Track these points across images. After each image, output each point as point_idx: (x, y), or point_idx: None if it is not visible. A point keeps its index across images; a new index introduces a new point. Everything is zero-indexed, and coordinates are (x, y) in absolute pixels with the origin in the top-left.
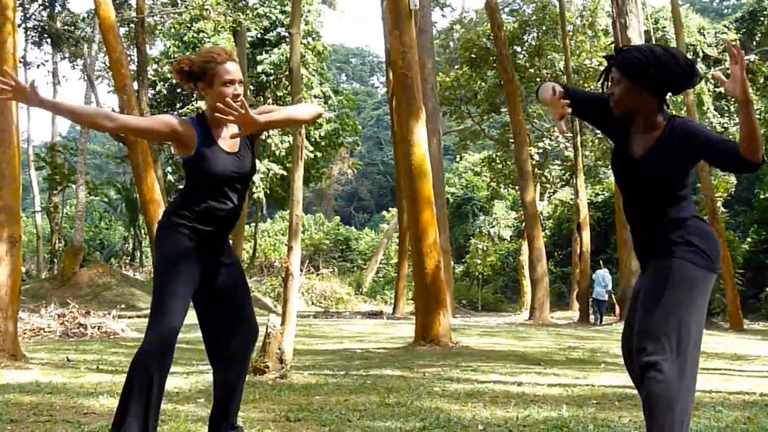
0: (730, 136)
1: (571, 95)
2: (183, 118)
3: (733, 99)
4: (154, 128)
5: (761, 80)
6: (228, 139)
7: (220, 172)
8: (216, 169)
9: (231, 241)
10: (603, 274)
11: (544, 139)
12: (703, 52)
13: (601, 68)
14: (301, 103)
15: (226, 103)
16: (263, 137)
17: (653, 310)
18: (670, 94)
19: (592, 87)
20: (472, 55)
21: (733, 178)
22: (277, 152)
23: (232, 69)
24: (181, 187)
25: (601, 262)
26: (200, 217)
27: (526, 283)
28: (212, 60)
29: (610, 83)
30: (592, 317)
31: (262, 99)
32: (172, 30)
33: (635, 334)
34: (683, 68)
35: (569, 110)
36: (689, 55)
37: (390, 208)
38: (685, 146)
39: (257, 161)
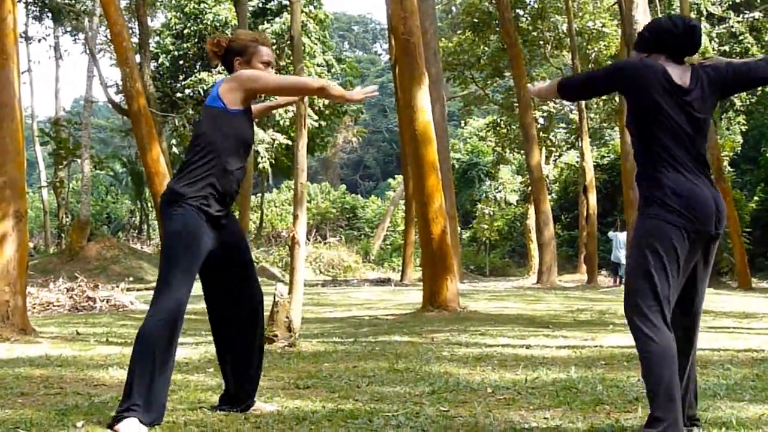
0: (735, 96)
1: (578, 88)
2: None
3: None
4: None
5: (766, 38)
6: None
7: (250, 135)
8: (250, 132)
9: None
10: (622, 237)
11: (548, 102)
12: (707, 10)
13: (605, 30)
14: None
15: None
16: None
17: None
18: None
19: (595, 49)
20: (475, 20)
21: (739, 137)
22: (281, 122)
23: (270, 53)
24: (189, 158)
25: (619, 223)
26: (217, 185)
27: (534, 247)
28: (256, 40)
29: None
30: (611, 279)
31: None
32: (173, 1)
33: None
34: (681, 29)
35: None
36: (693, 14)
37: (396, 176)
38: (716, 79)
39: (262, 131)
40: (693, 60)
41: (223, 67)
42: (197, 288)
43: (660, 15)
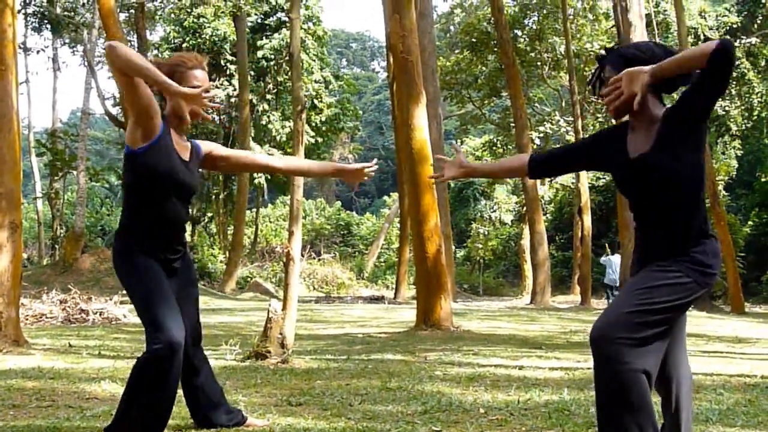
0: (731, 120)
1: (545, 159)
2: None
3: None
4: (144, 87)
5: (762, 63)
6: (182, 148)
7: (169, 172)
8: (167, 167)
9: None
10: (615, 260)
11: (544, 123)
12: (704, 35)
13: (602, 51)
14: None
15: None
16: (263, 122)
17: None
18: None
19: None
20: (473, 39)
21: (734, 162)
22: (277, 137)
23: (201, 76)
24: (126, 202)
25: (608, 247)
26: (149, 230)
27: (528, 267)
28: (182, 64)
29: (599, 86)
30: (605, 302)
31: (262, 84)
32: (172, 15)
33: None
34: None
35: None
36: (690, 39)
37: (391, 193)
38: (675, 117)
39: (258, 146)
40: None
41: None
42: (202, 301)
43: (658, 39)
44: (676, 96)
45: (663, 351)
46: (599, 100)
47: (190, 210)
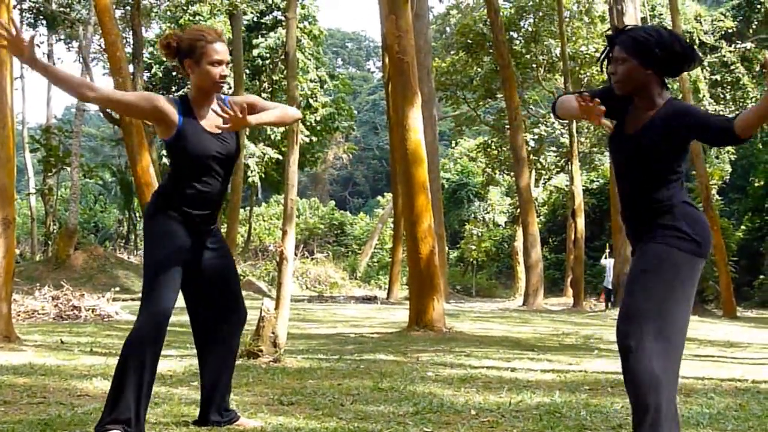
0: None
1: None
2: (166, 96)
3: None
4: (135, 103)
5: (757, 68)
6: (211, 120)
7: (201, 152)
8: (197, 149)
9: (225, 225)
10: (608, 263)
11: (539, 125)
12: (699, 39)
13: (597, 54)
14: (282, 106)
15: (224, 110)
16: None
17: (635, 294)
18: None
19: (588, 73)
20: (469, 41)
21: (728, 166)
22: (272, 136)
23: (221, 49)
24: (169, 172)
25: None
26: (186, 200)
27: (521, 269)
28: (202, 38)
29: (608, 63)
30: (603, 305)
31: (257, 83)
32: (168, 13)
33: (618, 317)
34: (684, 50)
35: (603, 108)
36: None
37: (385, 193)
38: (678, 124)
39: (253, 145)
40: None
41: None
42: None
43: None
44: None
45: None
46: (607, 77)
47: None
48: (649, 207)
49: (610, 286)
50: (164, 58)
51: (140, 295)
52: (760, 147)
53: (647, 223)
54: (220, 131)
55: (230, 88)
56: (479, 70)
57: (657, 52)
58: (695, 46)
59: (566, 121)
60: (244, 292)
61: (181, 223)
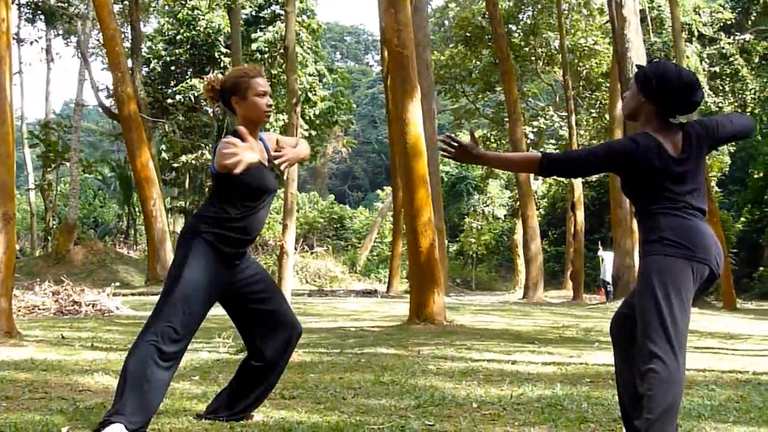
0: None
1: (567, 162)
2: (229, 137)
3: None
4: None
5: (756, 59)
6: (260, 152)
7: (261, 185)
8: (260, 182)
9: None
10: (605, 256)
11: (538, 117)
12: (698, 31)
13: (597, 47)
14: (301, 141)
15: (280, 148)
16: None
17: None
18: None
19: (587, 66)
20: (467, 34)
21: (727, 158)
22: (271, 131)
23: (263, 82)
24: (214, 198)
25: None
26: (235, 231)
27: (520, 262)
28: (245, 75)
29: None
30: (604, 297)
31: None
32: (166, 7)
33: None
34: (682, 85)
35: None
36: (684, 35)
37: (384, 187)
38: (705, 135)
39: None
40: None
41: (225, 108)
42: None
43: (652, 34)
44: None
45: None
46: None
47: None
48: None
49: (608, 279)
50: (209, 103)
51: (141, 289)
52: (759, 139)
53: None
54: (266, 164)
55: None
56: (478, 63)
57: (653, 83)
58: (694, 38)
59: (565, 114)
60: None
61: (221, 254)
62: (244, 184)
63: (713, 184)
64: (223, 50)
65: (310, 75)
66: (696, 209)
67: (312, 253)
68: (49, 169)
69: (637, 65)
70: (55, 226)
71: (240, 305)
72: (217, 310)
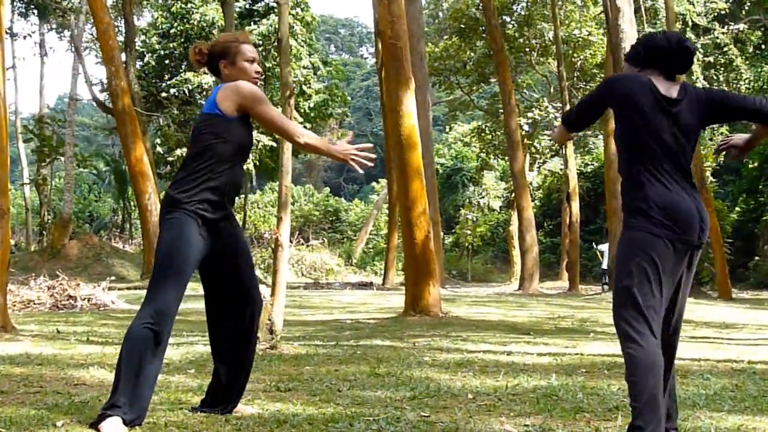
0: None
1: (573, 119)
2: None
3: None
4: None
5: (750, 49)
6: None
7: (248, 142)
8: (249, 137)
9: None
10: (603, 248)
11: (533, 109)
12: (692, 21)
13: (591, 38)
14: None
15: None
16: None
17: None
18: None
19: (581, 57)
20: (461, 25)
21: None
22: None
23: (253, 49)
24: (187, 163)
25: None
26: (216, 192)
27: (516, 253)
28: (235, 40)
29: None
30: (602, 287)
31: None
32: (160, 0)
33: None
34: (670, 44)
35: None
36: (678, 25)
37: (379, 179)
38: (707, 99)
39: None
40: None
41: (210, 73)
42: (190, 287)
43: (646, 25)
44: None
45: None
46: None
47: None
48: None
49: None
50: (193, 64)
51: (136, 284)
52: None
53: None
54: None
55: None
56: (472, 54)
57: (641, 50)
58: (688, 28)
59: (560, 105)
60: None
61: (204, 218)
62: (239, 135)
63: (708, 174)
64: None
65: (304, 68)
66: (681, 171)
67: (308, 245)
68: (43, 164)
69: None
70: (50, 221)
71: (215, 270)
72: None
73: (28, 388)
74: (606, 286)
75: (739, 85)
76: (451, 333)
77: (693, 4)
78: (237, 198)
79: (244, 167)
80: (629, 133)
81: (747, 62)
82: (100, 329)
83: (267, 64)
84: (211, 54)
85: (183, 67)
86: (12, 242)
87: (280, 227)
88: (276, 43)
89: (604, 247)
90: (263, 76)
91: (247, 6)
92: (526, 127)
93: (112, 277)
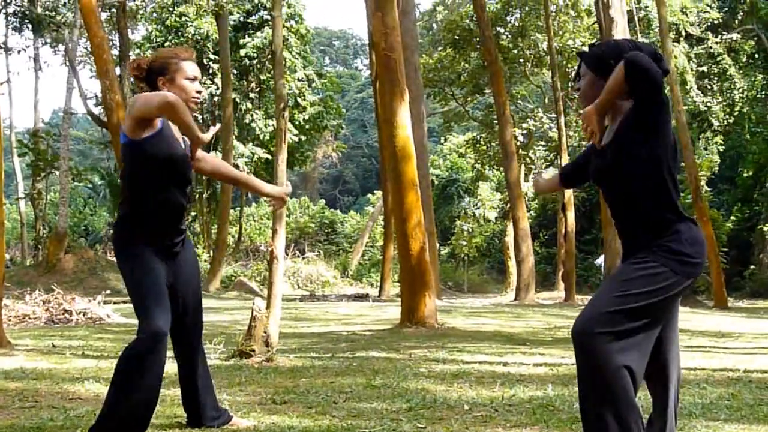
0: (713, 116)
1: (568, 172)
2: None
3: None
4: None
5: (743, 59)
6: (180, 138)
7: (172, 158)
8: (169, 153)
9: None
10: (599, 260)
11: (528, 119)
12: (685, 31)
13: (585, 48)
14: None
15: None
16: (247, 121)
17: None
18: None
19: (575, 67)
20: (456, 37)
21: (716, 157)
22: (261, 136)
23: (195, 67)
24: (120, 200)
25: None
26: (151, 217)
27: (512, 264)
28: (175, 56)
29: (577, 79)
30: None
31: (245, 83)
32: (154, 14)
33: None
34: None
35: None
36: (671, 35)
37: (375, 191)
38: (632, 123)
39: (242, 145)
40: None
41: (149, 89)
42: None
43: (639, 35)
44: None
45: (649, 346)
46: (575, 93)
47: (189, 197)
48: (642, 223)
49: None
50: (134, 80)
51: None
52: (749, 138)
53: (642, 242)
54: (184, 147)
55: (218, 88)
56: (467, 65)
57: (611, 63)
58: (681, 38)
59: (554, 115)
60: (235, 293)
61: (151, 243)
62: (160, 147)
63: (703, 183)
64: (212, 56)
65: (299, 80)
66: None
67: (303, 258)
68: (38, 178)
69: (577, 53)
70: (45, 235)
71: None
72: (208, 317)
73: (23, 402)
74: None
75: (732, 94)
76: (447, 344)
77: (686, 14)
78: (184, 217)
79: (185, 191)
80: (660, 161)
81: (740, 71)
82: (96, 343)
83: (262, 77)
84: (150, 70)
85: None
86: (7, 256)
87: (276, 240)
88: (270, 56)
89: (601, 260)
90: (203, 97)
91: (242, 19)
92: (521, 138)
93: (108, 291)
